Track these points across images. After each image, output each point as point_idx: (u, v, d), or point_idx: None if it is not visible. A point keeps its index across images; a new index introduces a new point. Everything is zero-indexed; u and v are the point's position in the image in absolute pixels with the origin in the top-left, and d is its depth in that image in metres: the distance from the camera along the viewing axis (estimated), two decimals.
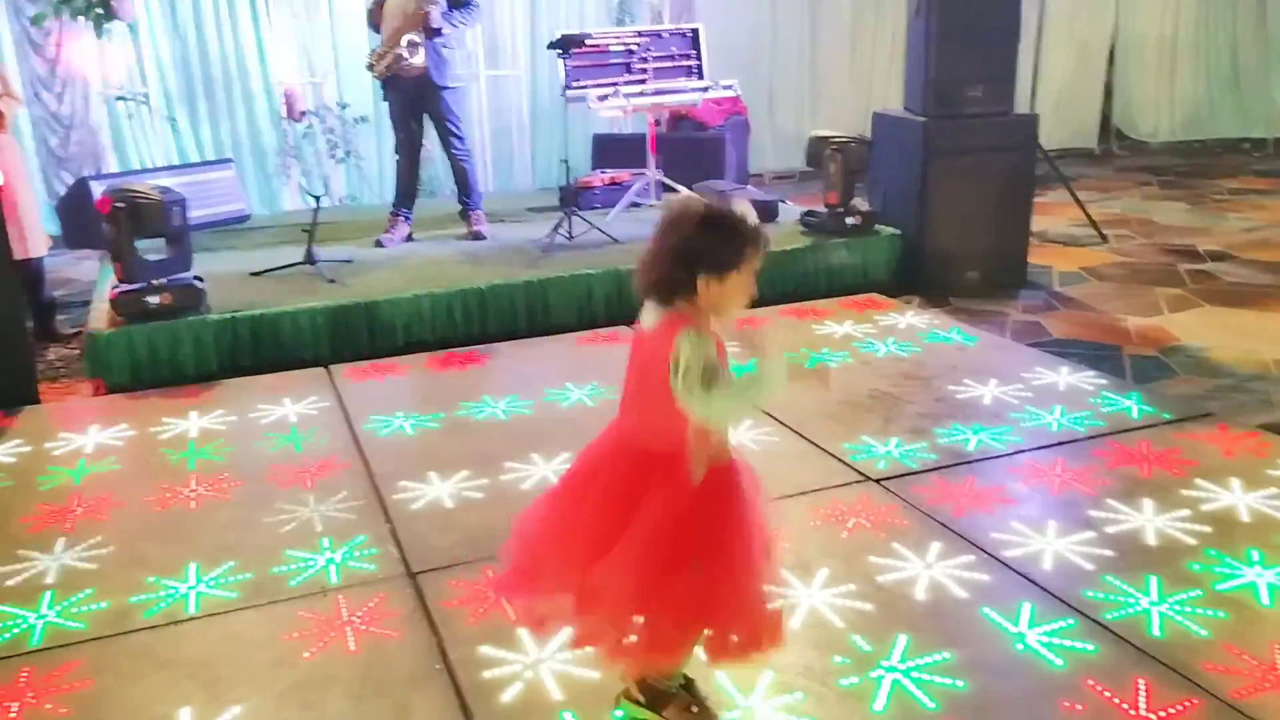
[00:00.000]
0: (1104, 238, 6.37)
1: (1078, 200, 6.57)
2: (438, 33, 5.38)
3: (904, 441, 3.40)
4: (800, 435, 3.47)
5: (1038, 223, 5.83)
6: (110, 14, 6.03)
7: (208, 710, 2.13)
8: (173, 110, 6.92)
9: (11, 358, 3.93)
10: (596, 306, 4.94)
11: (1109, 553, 2.69)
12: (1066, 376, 3.95)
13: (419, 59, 5.30)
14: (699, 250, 1.84)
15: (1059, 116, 9.67)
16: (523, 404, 3.83)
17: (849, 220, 5.44)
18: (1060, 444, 3.37)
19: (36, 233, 4.85)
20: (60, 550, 2.81)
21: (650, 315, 1.94)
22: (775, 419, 3.59)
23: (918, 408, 3.69)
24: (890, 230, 5.50)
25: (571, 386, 3.97)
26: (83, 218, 5.65)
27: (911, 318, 4.75)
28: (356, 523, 2.94)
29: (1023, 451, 3.32)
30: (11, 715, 2.13)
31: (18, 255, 4.31)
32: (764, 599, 1.98)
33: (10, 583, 2.65)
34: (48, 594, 2.58)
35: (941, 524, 2.85)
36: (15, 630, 2.44)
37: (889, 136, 5.62)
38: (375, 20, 5.51)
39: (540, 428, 3.60)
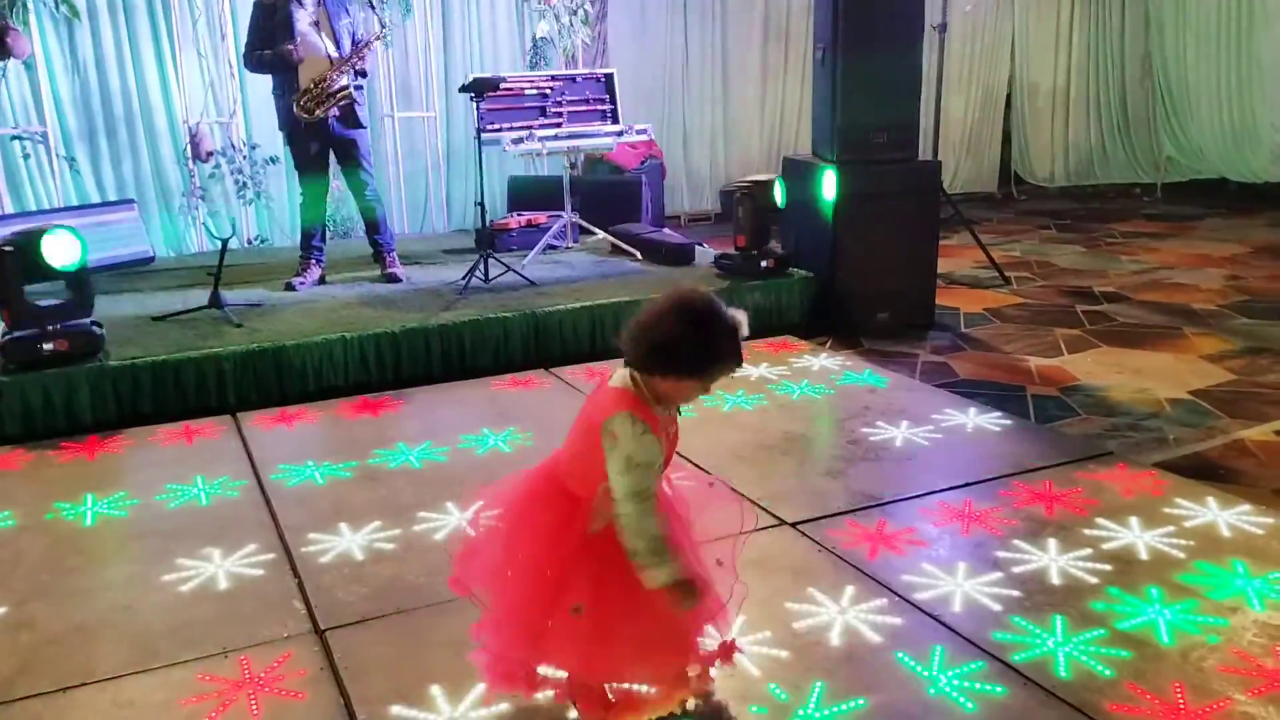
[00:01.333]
0: (1006, 279, 6.60)
1: (980, 243, 6.80)
2: (364, 74, 5.35)
3: (819, 484, 3.43)
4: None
5: (943, 265, 6.01)
6: (5, 52, 5.83)
7: None
8: (72, 149, 6.70)
9: None
10: (514, 350, 4.91)
11: (1016, 593, 2.75)
12: (974, 417, 4.05)
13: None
14: (678, 346, 1.90)
15: (961, 161, 10.05)
16: (437, 451, 3.77)
17: (763, 263, 5.53)
18: (969, 484, 3.45)
19: None
20: None
21: (618, 372, 2.01)
22: (691, 462, 3.60)
23: (831, 450, 3.74)
24: (803, 273, 5.61)
25: (488, 432, 3.93)
26: None
27: (825, 360, 4.84)
28: (263, 578, 2.84)
29: (933, 492, 3.39)
30: None
31: None
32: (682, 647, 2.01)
33: None
34: None
35: (855, 567, 2.89)
36: None
37: (800, 180, 5.75)
38: (259, 63, 5.35)
39: (455, 474, 3.54)
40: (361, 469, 3.60)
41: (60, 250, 4.12)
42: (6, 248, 4.13)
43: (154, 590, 2.78)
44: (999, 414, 4.10)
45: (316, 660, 2.43)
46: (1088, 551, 2.97)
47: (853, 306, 5.52)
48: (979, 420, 4.03)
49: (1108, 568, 2.87)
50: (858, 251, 5.50)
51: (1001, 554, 2.96)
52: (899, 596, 2.73)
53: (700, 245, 6.30)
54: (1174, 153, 10.27)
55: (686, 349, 1.90)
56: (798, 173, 5.82)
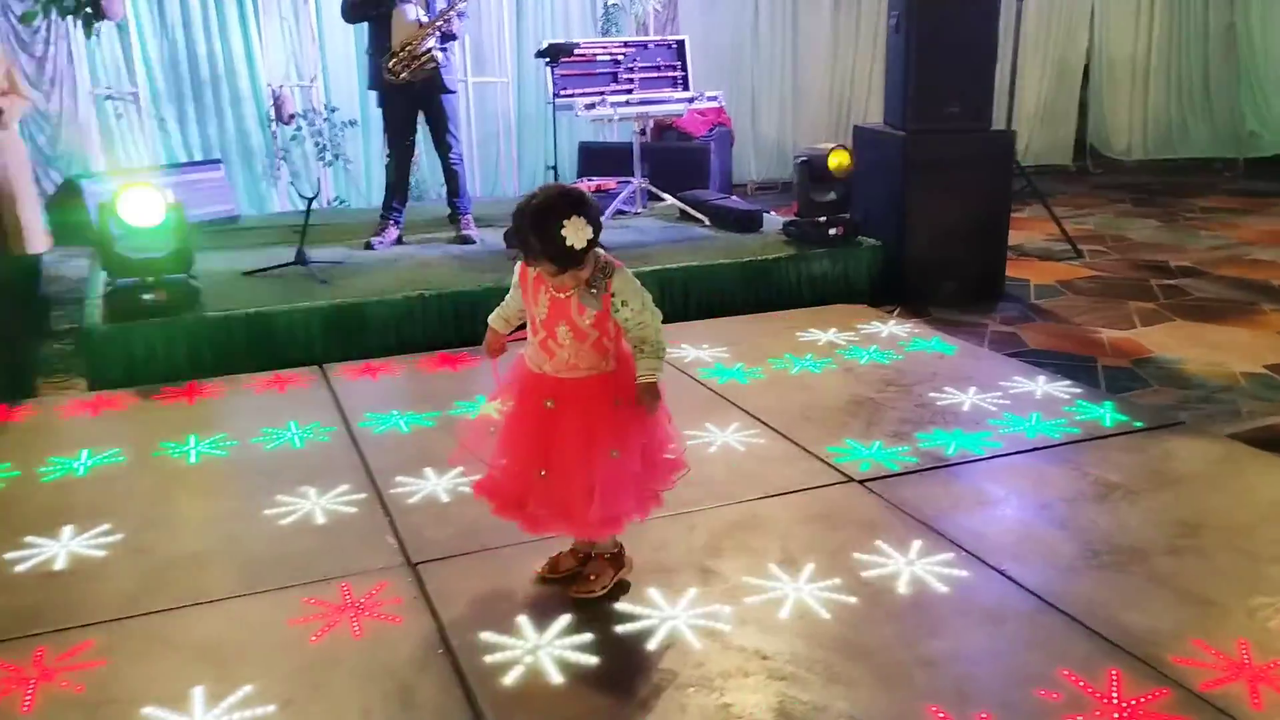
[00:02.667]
0: (1079, 253, 6.54)
1: (1053, 216, 6.74)
2: (454, 36, 5.47)
3: (886, 445, 3.51)
4: (785, 437, 3.58)
5: (1014, 237, 5.98)
6: (99, 14, 6.05)
7: (219, 689, 2.20)
8: (161, 110, 6.95)
9: (10, 352, 3.96)
10: None
11: (1086, 552, 2.80)
12: (1043, 385, 4.08)
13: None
14: (514, 228, 2.31)
15: (1035, 133, 9.89)
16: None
17: (831, 231, 5.57)
18: (1036, 449, 3.49)
19: (36, 230, 4.89)
20: (68, 538, 2.86)
21: None
22: (762, 421, 3.70)
23: (899, 413, 3.80)
24: (871, 241, 5.63)
25: None
26: (74, 216, 5.69)
27: (892, 327, 4.88)
28: (357, 515, 3.01)
29: (1000, 456, 3.44)
30: (28, 691, 2.19)
31: (15, 252, 4.35)
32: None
33: (19, 569, 2.71)
34: (57, 579, 2.63)
35: (923, 523, 2.96)
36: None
37: (870, 149, 5.76)
38: (358, 7, 5.48)
39: None
40: (444, 419, 3.76)
41: (141, 208, 4.29)
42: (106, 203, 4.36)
43: (257, 523, 2.97)
44: (1069, 383, 4.11)
45: (411, 590, 2.59)
46: (1156, 517, 3.00)
47: (921, 276, 5.54)
48: (1048, 388, 4.05)
49: (1177, 533, 2.91)
50: (927, 221, 5.51)
51: (1068, 515, 3.01)
52: (965, 551, 2.80)
53: (768, 212, 6.34)
54: (1257, 128, 9.98)
55: (514, 237, 2.32)
56: (868, 141, 5.82)
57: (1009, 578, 2.68)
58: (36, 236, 4.88)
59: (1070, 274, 6.09)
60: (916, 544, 2.83)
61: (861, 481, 3.23)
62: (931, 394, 3.99)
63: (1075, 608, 2.53)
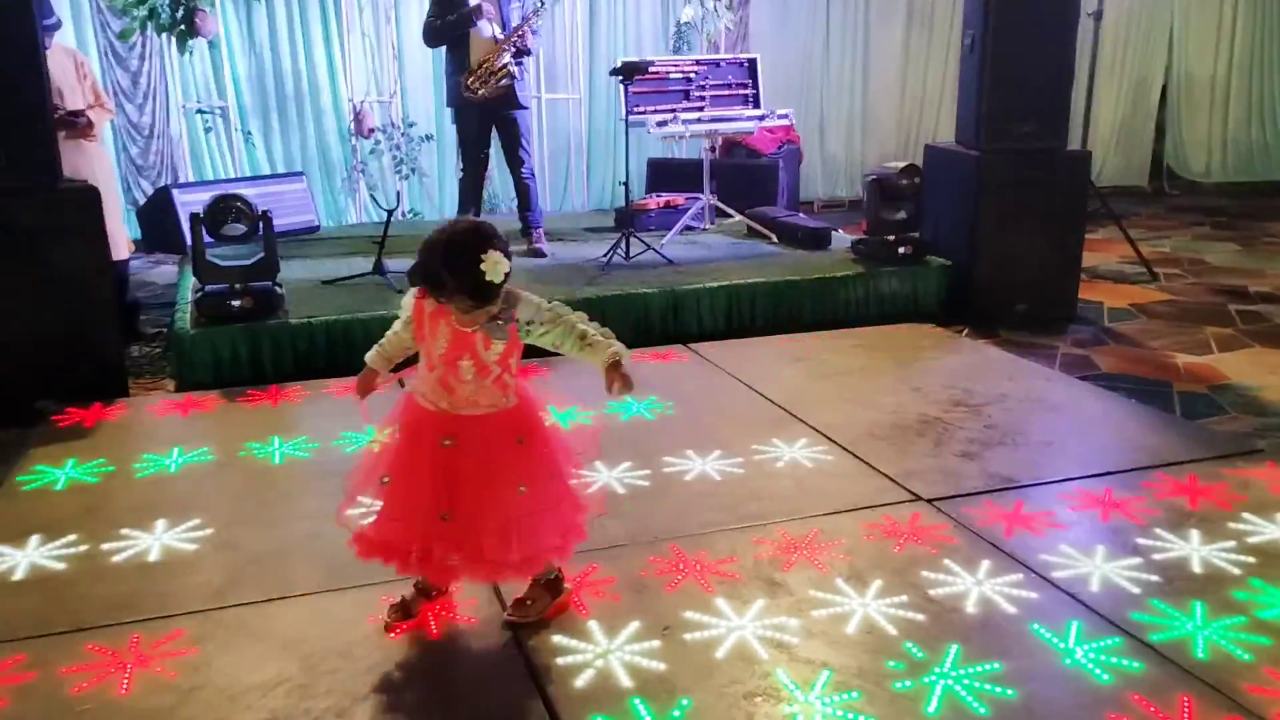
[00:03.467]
0: (1154, 276, 6.43)
1: (1128, 238, 6.64)
2: (528, 52, 5.61)
3: (954, 465, 3.50)
4: (853, 454, 3.59)
5: (1088, 259, 5.91)
6: (193, 31, 6.31)
7: (304, 680, 2.29)
8: (247, 124, 7.21)
9: (104, 354, 4.16)
10: (652, 325, 5.10)
11: (1155, 578, 2.78)
12: (1116, 409, 4.02)
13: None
14: (420, 265, 2.22)
15: (1111, 154, 9.74)
16: (582, 415, 3.97)
17: (900, 249, 5.57)
18: (1109, 473, 3.45)
19: (120, 237, 5.10)
20: (160, 531, 3.00)
21: None
22: (828, 438, 3.72)
23: (968, 433, 3.79)
24: (940, 261, 5.61)
25: (631, 400, 4.11)
26: (163, 223, 5.93)
27: (962, 347, 4.85)
28: None
29: (1072, 479, 3.41)
30: (126, 675, 2.31)
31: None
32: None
33: (116, 559, 2.85)
34: (151, 570, 2.77)
35: (991, 544, 2.96)
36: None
37: (941, 168, 5.75)
38: (438, 31, 5.67)
39: (604, 439, 3.74)
40: None
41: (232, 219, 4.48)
42: (199, 212, 4.55)
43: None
44: (1143, 407, 4.06)
45: (484, 591, 2.66)
46: (1232, 544, 2.96)
47: (991, 296, 5.50)
48: (1121, 412, 4.00)
49: (1252, 560, 2.87)
50: (999, 241, 5.47)
51: (1142, 541, 2.98)
52: (1036, 573, 2.79)
53: (835, 230, 6.35)
54: None
55: (422, 272, 2.20)
56: (939, 160, 5.81)
57: (1079, 600, 2.67)
58: (120, 243, 5.10)
59: (1145, 297, 6.00)
60: (985, 564, 2.83)
61: (930, 500, 3.23)
62: (1002, 414, 3.96)
63: (1144, 631, 2.51)
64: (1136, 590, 2.72)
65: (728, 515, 3.13)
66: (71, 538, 2.96)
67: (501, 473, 2.29)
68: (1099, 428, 3.88)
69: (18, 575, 2.78)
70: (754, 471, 3.47)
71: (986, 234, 5.48)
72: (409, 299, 2.30)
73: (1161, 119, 9.88)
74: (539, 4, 5.75)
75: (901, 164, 5.72)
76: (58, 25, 5.05)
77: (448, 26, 5.58)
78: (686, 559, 2.85)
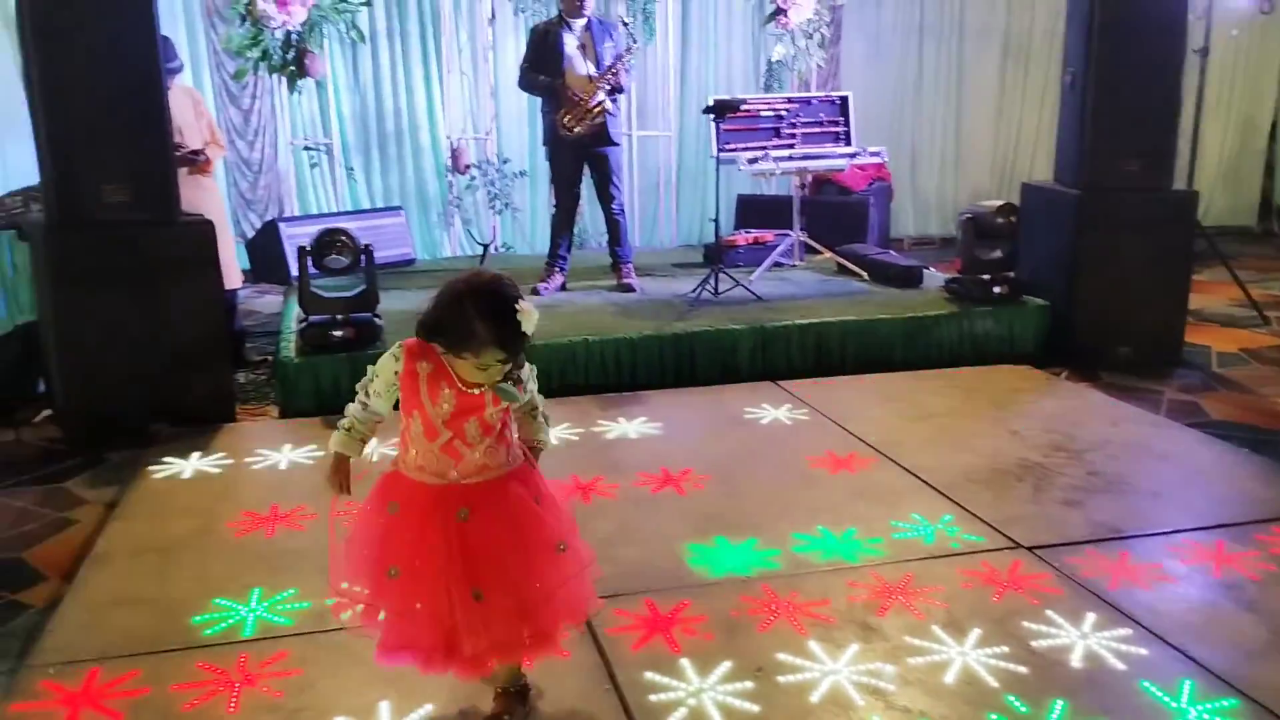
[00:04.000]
0: (1265, 319, 6.18)
1: (1237, 279, 6.40)
2: (622, 89, 5.72)
3: (1056, 512, 3.40)
4: (948, 498, 3.52)
5: (1194, 300, 5.70)
6: (303, 72, 6.58)
7: (403, 705, 2.33)
8: (350, 160, 7.47)
9: (215, 380, 4.33)
10: (741, 361, 5.09)
11: (1272, 636, 2.65)
12: (1228, 459, 3.87)
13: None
14: (439, 320, 2.01)
15: (1217, 193, 9.42)
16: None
17: (996, 289, 5.46)
18: (1221, 526, 3.31)
19: (232, 268, 5.32)
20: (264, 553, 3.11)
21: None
22: (923, 480, 3.65)
23: (1070, 480, 3.68)
24: (1038, 301, 5.49)
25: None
26: (271, 255, 6.16)
27: (1062, 390, 4.73)
28: None
29: (1181, 530, 3.28)
30: (234, 693, 2.39)
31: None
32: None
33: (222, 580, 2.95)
34: (256, 590, 2.85)
35: (1096, 595, 2.86)
36: (230, 620, 2.71)
37: (1039, 207, 5.63)
38: (531, 84, 5.82)
39: (697, 469, 3.74)
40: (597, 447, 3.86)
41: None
42: (305, 245, 4.72)
43: None
44: (1255, 457, 3.89)
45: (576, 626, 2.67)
46: None
47: (1092, 338, 5.35)
48: (1232, 461, 3.84)
49: None
50: (1100, 282, 5.33)
51: (1258, 598, 2.85)
52: (1145, 628, 2.69)
53: (927, 269, 6.27)
54: None
55: (446, 324, 1.99)
56: (1037, 199, 5.70)
57: (1191, 658, 2.56)
58: (232, 273, 5.31)
59: (1256, 341, 5.76)
60: (1090, 617, 2.74)
61: (1030, 548, 3.14)
62: (1105, 461, 3.84)
63: (1265, 695, 2.39)
64: (1254, 648, 2.60)
65: (820, 556, 3.09)
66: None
67: (533, 534, 2.11)
68: (1209, 477, 3.73)
69: None
70: (847, 513, 3.42)
71: (1087, 274, 5.34)
72: (391, 364, 2.08)
73: (1271, 157, 9.53)
74: (632, 42, 5.84)
75: (998, 202, 5.63)
76: (180, 68, 5.32)
77: (538, 86, 5.75)
78: (779, 599, 2.82)
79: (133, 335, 4.19)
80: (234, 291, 5.41)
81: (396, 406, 2.12)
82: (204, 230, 4.33)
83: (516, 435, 2.19)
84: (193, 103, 5.25)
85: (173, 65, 4.99)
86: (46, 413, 4.50)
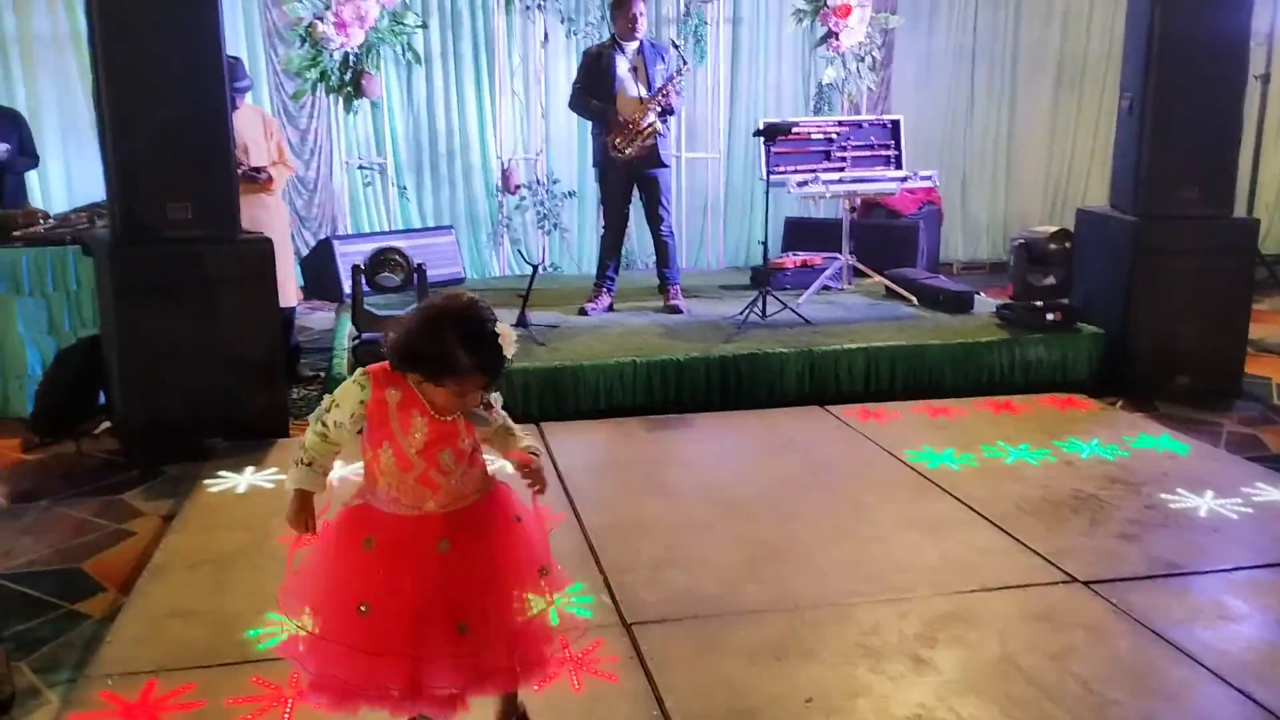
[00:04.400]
0: None
1: None
2: (672, 111, 5.75)
3: (1112, 546, 3.33)
4: (1001, 529, 3.47)
5: (1255, 330, 5.58)
6: (359, 92, 6.70)
7: None
8: (402, 179, 7.58)
9: (271, 395, 4.40)
10: (788, 385, 5.06)
11: None
12: None
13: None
14: (415, 347, 1.93)
15: (1278, 220, 9.22)
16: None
17: (1049, 316, 5.39)
18: None
19: (290, 285, 5.41)
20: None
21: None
22: (975, 510, 3.60)
23: (1126, 513, 3.61)
24: (1092, 328, 5.40)
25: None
26: (324, 272, 6.27)
27: (1117, 421, 4.65)
28: (572, 571, 3.13)
29: (1244, 568, 3.20)
30: (287, 709, 2.42)
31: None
32: None
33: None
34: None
35: (1154, 632, 2.79)
36: (283, 635, 2.72)
37: (1093, 234, 5.56)
38: (583, 108, 5.86)
39: (739, 494, 3.73)
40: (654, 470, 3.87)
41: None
42: (359, 264, 4.80)
43: None
44: None
45: (626, 649, 2.67)
46: None
47: (1148, 368, 5.25)
48: None
49: None
50: (1157, 310, 5.23)
51: None
52: (1204, 667, 2.62)
53: (978, 294, 6.20)
54: None
55: (425, 353, 1.92)
56: (1092, 225, 5.62)
57: (1255, 701, 2.49)
58: (290, 290, 5.40)
59: None
60: (1148, 654, 2.67)
61: (1086, 583, 3.08)
62: (1163, 495, 3.76)
63: None
64: None
65: (871, 586, 3.06)
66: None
67: (519, 557, 2.06)
68: (1271, 513, 3.63)
69: None
70: (898, 542, 3.38)
71: (1143, 302, 5.25)
72: (356, 393, 2.00)
73: None
74: (682, 64, 5.87)
75: (1051, 228, 5.56)
76: (249, 87, 5.43)
77: (590, 111, 5.80)
78: (828, 628, 2.79)
79: (191, 350, 4.28)
80: (291, 308, 5.50)
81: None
82: (263, 248, 4.42)
83: (502, 454, 2.14)
84: (262, 122, 5.35)
85: (241, 84, 5.10)
86: (105, 424, 4.61)
